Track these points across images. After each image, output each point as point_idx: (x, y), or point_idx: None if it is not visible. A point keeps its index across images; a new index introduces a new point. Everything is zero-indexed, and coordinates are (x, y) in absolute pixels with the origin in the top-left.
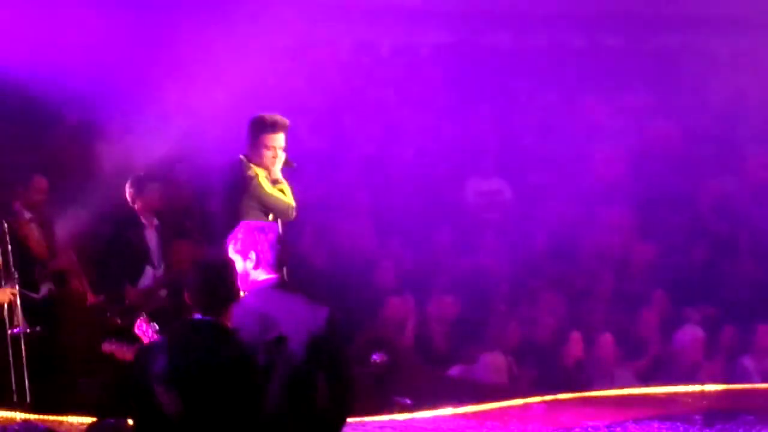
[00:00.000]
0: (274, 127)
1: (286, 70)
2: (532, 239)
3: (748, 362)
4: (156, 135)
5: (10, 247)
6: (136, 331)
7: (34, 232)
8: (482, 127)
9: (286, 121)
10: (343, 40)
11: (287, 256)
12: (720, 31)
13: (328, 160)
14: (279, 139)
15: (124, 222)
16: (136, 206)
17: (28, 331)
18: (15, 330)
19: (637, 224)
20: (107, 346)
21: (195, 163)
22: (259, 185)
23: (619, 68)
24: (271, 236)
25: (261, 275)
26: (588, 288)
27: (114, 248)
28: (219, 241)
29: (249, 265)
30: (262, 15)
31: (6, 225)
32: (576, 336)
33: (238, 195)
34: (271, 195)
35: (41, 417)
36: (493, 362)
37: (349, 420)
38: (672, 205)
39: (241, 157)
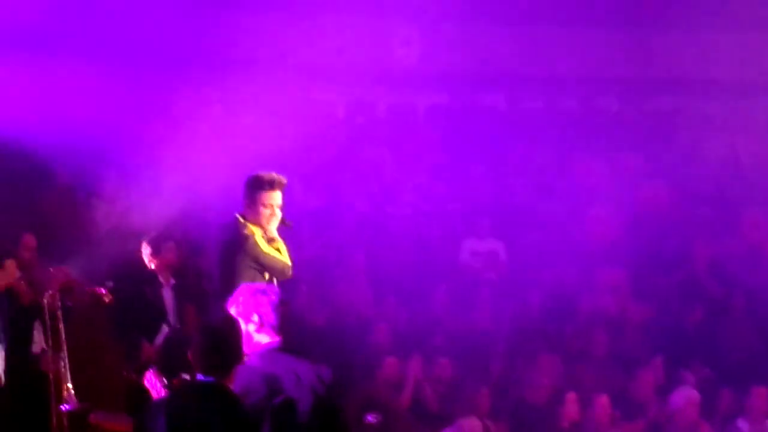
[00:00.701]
0: (271, 185)
1: (281, 130)
2: (527, 300)
3: (742, 424)
4: (153, 195)
5: (54, 322)
6: (146, 383)
7: (24, 290)
8: (477, 188)
9: (284, 180)
10: (339, 99)
11: (288, 317)
12: (713, 94)
13: (323, 219)
14: (276, 198)
15: (142, 280)
16: (152, 265)
17: (77, 407)
18: (65, 406)
19: (632, 285)
20: (94, 417)
21: (192, 222)
22: (255, 244)
23: (613, 130)
24: (273, 297)
25: (264, 338)
26: (583, 349)
27: (132, 306)
28: (214, 301)
29: (252, 327)
30: (258, 75)
31: (46, 300)
32: (572, 397)
33: (234, 254)
34: (268, 254)
35: None
36: (469, 426)
37: None
38: (666, 266)
39: (237, 215)
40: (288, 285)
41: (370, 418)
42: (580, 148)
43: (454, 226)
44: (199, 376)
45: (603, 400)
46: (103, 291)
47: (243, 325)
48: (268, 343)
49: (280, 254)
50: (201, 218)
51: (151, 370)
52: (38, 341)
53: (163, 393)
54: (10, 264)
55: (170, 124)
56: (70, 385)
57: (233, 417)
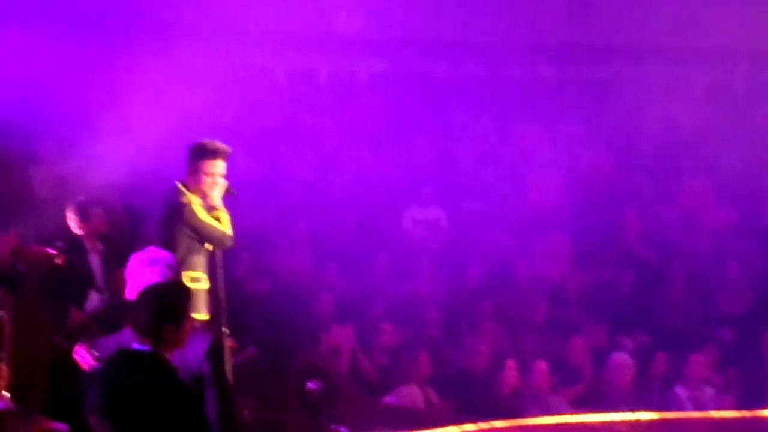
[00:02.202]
0: (214, 153)
1: (223, 97)
2: (468, 267)
3: (680, 391)
4: (93, 161)
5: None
6: (75, 357)
7: None
8: (419, 156)
9: (227, 149)
10: (280, 67)
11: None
12: (652, 61)
13: (265, 188)
14: (219, 166)
15: (68, 247)
16: (80, 231)
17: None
18: None
19: (571, 253)
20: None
21: (133, 189)
22: (193, 212)
23: (553, 98)
24: (164, 268)
25: None
26: (523, 316)
27: (59, 272)
28: None
29: None
30: (199, 42)
31: None
32: (512, 364)
33: (172, 222)
34: (205, 223)
35: None
36: (409, 393)
37: None
38: (604, 234)
39: (177, 183)
40: (229, 254)
41: (311, 385)
42: (521, 116)
43: (396, 194)
44: (135, 345)
45: (542, 366)
46: (54, 252)
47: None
48: None
49: (221, 223)
50: (139, 185)
51: (80, 344)
52: None
53: (94, 365)
54: None
55: (109, 90)
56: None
57: (170, 387)
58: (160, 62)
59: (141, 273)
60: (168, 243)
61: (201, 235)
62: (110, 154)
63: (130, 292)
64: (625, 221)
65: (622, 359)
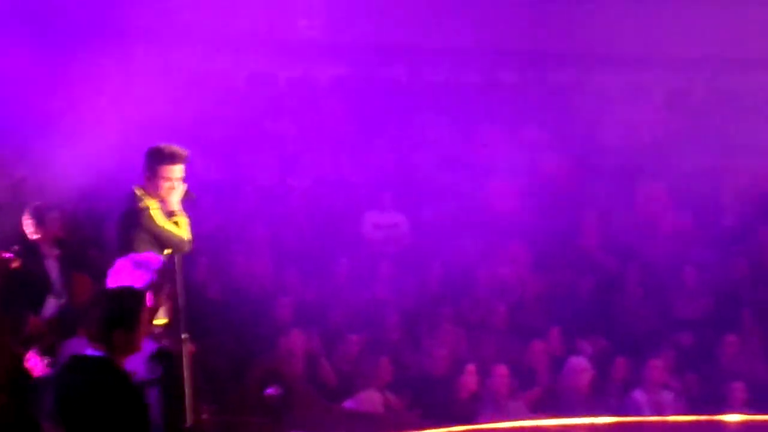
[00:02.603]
0: (172, 158)
1: (182, 101)
2: (428, 272)
3: (639, 395)
4: (50, 165)
5: None
6: (27, 364)
7: None
8: (380, 160)
9: (185, 153)
10: (239, 71)
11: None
12: (612, 68)
13: (224, 192)
14: (177, 171)
15: (25, 252)
16: (36, 236)
17: None
18: None
19: (530, 257)
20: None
21: (92, 193)
22: (151, 217)
23: (514, 103)
24: (148, 273)
25: None
26: (483, 320)
27: (15, 278)
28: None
29: None
30: (157, 46)
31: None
32: (471, 368)
33: (129, 227)
34: (163, 228)
35: None
36: (369, 398)
37: None
38: (563, 239)
39: (134, 188)
40: (188, 258)
41: (271, 390)
42: (481, 121)
43: (356, 198)
44: (89, 350)
45: (501, 370)
46: (9, 255)
47: None
48: None
49: (179, 228)
50: (98, 188)
51: (32, 351)
52: None
53: (45, 372)
54: None
55: (67, 94)
56: None
57: (121, 392)
58: (119, 65)
59: (125, 276)
60: (126, 248)
61: (159, 240)
62: (68, 158)
63: None
64: (584, 226)
65: (580, 363)
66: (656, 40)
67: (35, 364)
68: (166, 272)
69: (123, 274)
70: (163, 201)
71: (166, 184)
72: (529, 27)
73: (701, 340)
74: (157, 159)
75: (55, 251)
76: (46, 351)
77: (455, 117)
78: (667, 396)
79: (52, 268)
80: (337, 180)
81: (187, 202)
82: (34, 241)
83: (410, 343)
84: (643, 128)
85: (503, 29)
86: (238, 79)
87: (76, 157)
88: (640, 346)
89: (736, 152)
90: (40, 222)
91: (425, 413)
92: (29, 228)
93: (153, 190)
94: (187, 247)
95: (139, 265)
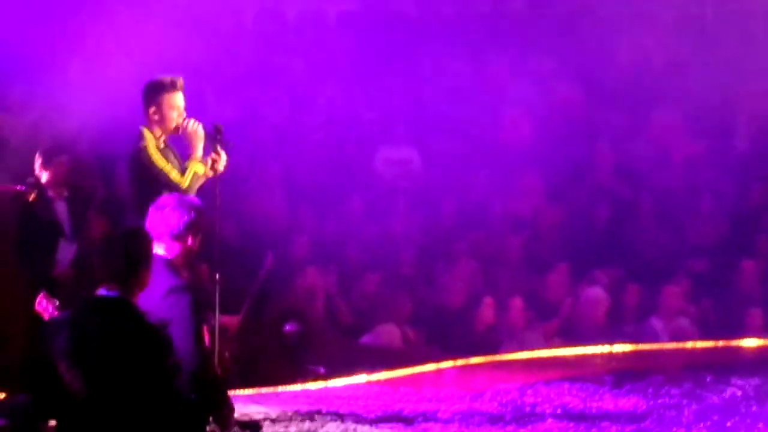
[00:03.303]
0: (173, 86)
1: (190, 40)
2: (441, 206)
3: (656, 323)
4: (60, 107)
5: None
6: (37, 307)
7: None
8: (391, 95)
9: (181, 80)
10: (247, 7)
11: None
12: None
13: (236, 131)
14: (180, 98)
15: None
16: (44, 179)
17: None
18: None
19: (544, 189)
20: (40, 305)
21: (103, 135)
22: (147, 155)
23: (523, 33)
24: (187, 212)
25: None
26: (498, 253)
27: (30, 220)
28: (129, 214)
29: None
30: None
31: None
32: (488, 301)
33: (132, 167)
34: (155, 165)
35: None
36: (387, 332)
37: (263, 390)
38: (576, 169)
39: (142, 127)
40: (202, 198)
41: (289, 328)
42: (491, 52)
43: (369, 134)
44: (102, 291)
45: (517, 303)
46: (23, 188)
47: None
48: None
49: (174, 171)
50: (110, 130)
51: (42, 295)
52: None
53: (54, 315)
54: None
55: (76, 34)
56: None
57: (140, 332)
58: (125, 5)
59: (166, 213)
60: (132, 187)
61: (152, 177)
62: (80, 99)
63: (152, 231)
64: (597, 155)
65: (596, 293)
66: None
67: (45, 307)
68: (204, 212)
69: (164, 211)
70: (174, 133)
71: (174, 114)
72: None
73: (717, 267)
74: (160, 90)
75: (64, 193)
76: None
77: (465, 49)
78: (684, 322)
79: (62, 210)
80: (349, 115)
81: (224, 146)
82: (43, 184)
83: (426, 278)
84: (654, 55)
85: None
86: (244, 16)
87: (87, 98)
88: (656, 273)
89: (751, 76)
90: (47, 162)
91: (443, 346)
92: (37, 168)
93: (160, 125)
94: (181, 191)
95: (181, 203)
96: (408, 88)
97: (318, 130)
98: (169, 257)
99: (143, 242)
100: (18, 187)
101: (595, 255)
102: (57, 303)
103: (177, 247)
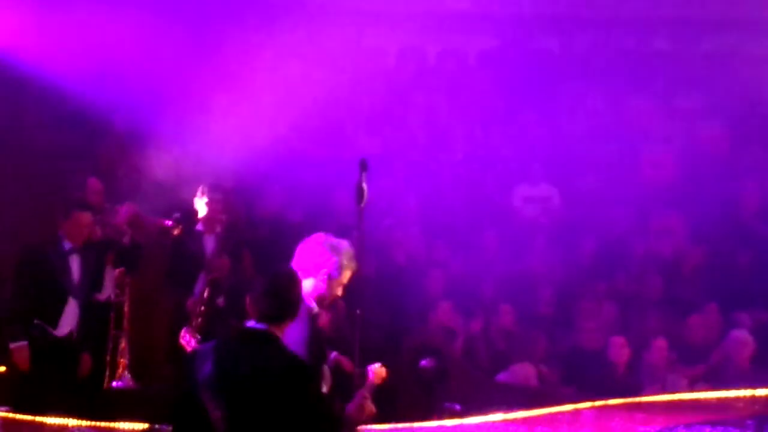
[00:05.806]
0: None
1: (332, 77)
2: (581, 245)
3: None
4: (205, 142)
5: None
6: (181, 341)
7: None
8: (530, 132)
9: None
10: (389, 46)
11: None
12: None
13: (375, 167)
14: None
15: (185, 225)
16: (201, 213)
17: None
18: (116, 383)
19: (686, 228)
20: (183, 339)
21: (246, 170)
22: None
23: (668, 71)
24: (340, 259)
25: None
26: (638, 293)
27: (180, 253)
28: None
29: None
30: (307, 23)
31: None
32: (620, 341)
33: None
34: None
35: (92, 424)
36: (522, 371)
37: (399, 425)
38: (720, 209)
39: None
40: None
41: (425, 363)
42: (634, 90)
43: (507, 171)
44: (251, 323)
45: (660, 343)
46: (170, 223)
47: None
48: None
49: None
50: (253, 165)
51: (186, 329)
52: (108, 287)
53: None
54: (84, 216)
55: (222, 71)
56: (125, 363)
57: (289, 363)
58: (271, 42)
59: (317, 255)
60: None
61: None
62: (223, 135)
63: (300, 269)
64: (742, 196)
65: (741, 336)
66: None
67: (188, 341)
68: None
69: (313, 252)
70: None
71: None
72: None
73: None
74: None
75: (216, 228)
76: (198, 329)
77: (607, 87)
78: None
79: (209, 244)
80: (487, 153)
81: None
82: (196, 218)
83: (563, 317)
84: None
85: None
86: (387, 54)
87: (230, 133)
88: None
89: None
90: (207, 197)
91: (580, 386)
92: (204, 203)
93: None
94: None
95: (335, 248)
96: (548, 124)
97: (456, 167)
98: (314, 294)
99: (296, 287)
100: (166, 222)
101: (739, 297)
102: (200, 337)
103: (323, 286)
